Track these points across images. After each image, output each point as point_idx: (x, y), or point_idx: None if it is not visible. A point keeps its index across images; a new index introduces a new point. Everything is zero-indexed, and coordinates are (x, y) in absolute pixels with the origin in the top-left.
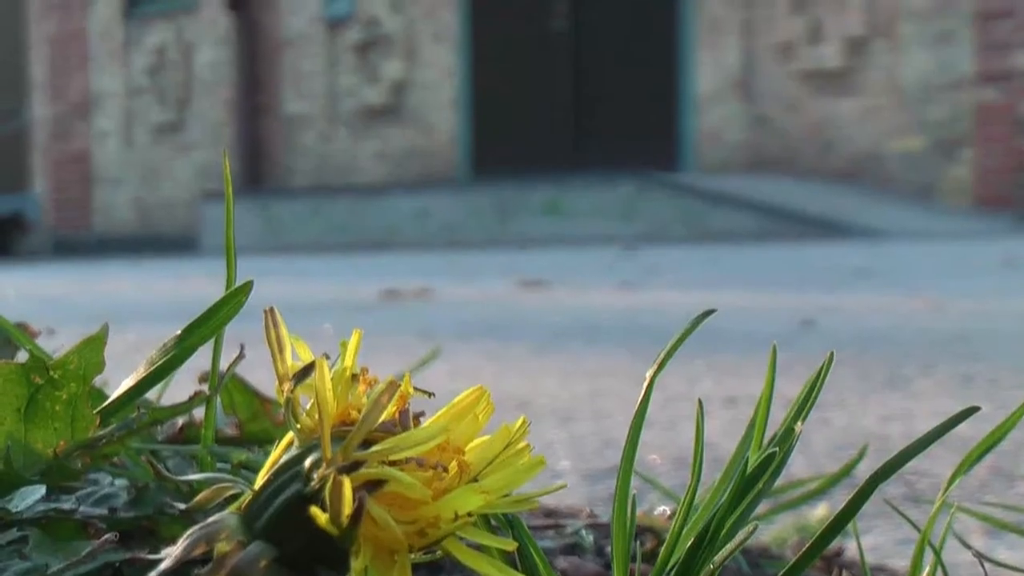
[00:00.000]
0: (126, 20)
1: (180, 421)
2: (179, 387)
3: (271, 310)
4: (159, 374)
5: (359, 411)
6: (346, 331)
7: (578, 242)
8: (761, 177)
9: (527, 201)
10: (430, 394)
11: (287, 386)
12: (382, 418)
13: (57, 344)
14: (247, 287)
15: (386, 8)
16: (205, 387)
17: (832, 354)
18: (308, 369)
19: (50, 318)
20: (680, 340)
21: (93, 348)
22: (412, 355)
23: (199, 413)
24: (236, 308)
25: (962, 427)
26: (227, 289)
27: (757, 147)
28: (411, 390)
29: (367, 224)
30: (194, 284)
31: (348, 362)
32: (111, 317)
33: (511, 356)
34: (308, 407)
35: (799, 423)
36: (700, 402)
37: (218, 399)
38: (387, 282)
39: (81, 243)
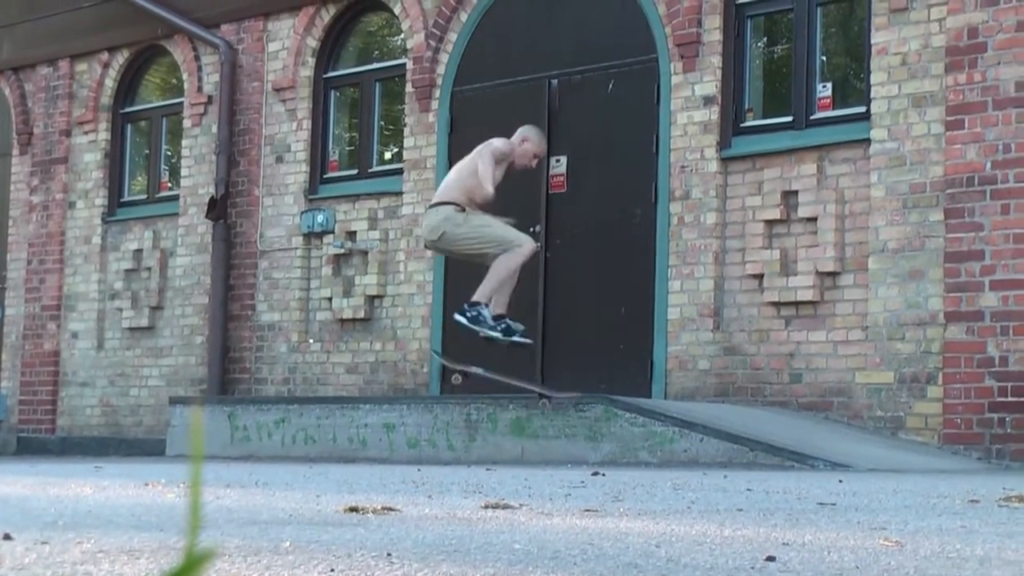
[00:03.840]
0: (105, 224)
1: None
2: None
3: None
4: None
5: None
6: (306, 547)
7: (545, 463)
8: (730, 405)
9: (495, 420)
10: None
11: None
12: None
13: (14, 551)
14: (209, 556)
15: (364, 223)
16: None
17: None
18: None
19: (8, 521)
20: None
21: None
22: None
23: None
24: None
25: None
26: (188, 554)
27: (726, 375)
28: None
29: (335, 436)
30: (157, 492)
31: None
32: (70, 523)
33: None
34: None
35: None
36: None
37: None
38: (351, 497)
39: (46, 443)
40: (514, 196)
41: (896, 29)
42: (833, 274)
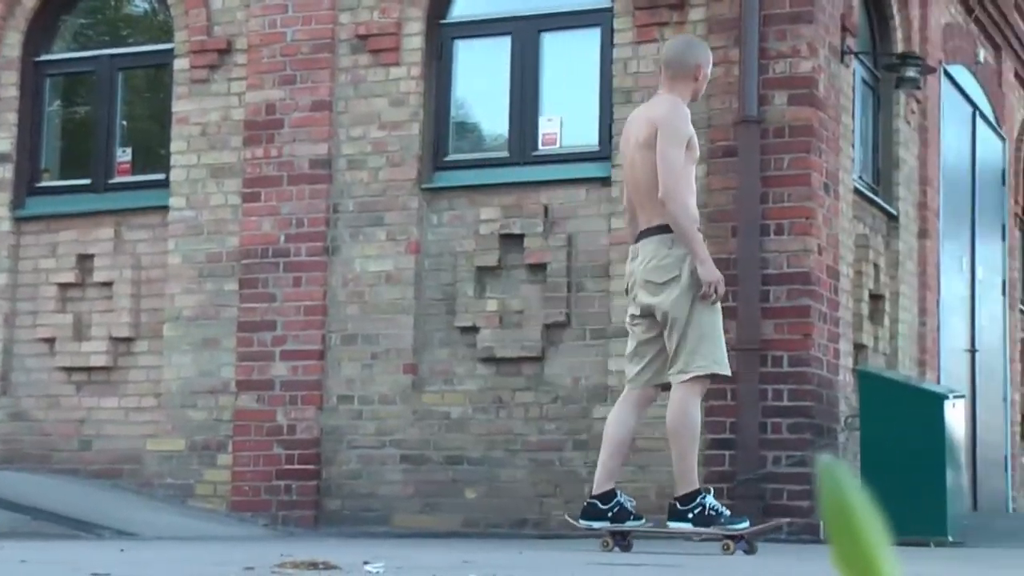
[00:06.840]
0: None
1: None
2: None
3: None
4: None
5: None
6: None
7: None
8: (15, 472)
9: None
10: None
11: None
12: None
13: None
14: None
15: None
16: None
17: None
18: None
19: None
20: None
21: None
22: None
23: None
24: None
25: None
26: None
27: (13, 441)
28: None
29: None
30: None
31: None
32: None
33: None
34: None
35: None
36: None
37: None
38: None
39: None
40: None
41: (197, 100)
42: (128, 340)
